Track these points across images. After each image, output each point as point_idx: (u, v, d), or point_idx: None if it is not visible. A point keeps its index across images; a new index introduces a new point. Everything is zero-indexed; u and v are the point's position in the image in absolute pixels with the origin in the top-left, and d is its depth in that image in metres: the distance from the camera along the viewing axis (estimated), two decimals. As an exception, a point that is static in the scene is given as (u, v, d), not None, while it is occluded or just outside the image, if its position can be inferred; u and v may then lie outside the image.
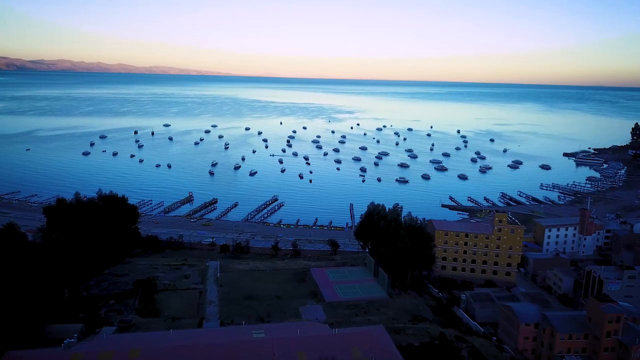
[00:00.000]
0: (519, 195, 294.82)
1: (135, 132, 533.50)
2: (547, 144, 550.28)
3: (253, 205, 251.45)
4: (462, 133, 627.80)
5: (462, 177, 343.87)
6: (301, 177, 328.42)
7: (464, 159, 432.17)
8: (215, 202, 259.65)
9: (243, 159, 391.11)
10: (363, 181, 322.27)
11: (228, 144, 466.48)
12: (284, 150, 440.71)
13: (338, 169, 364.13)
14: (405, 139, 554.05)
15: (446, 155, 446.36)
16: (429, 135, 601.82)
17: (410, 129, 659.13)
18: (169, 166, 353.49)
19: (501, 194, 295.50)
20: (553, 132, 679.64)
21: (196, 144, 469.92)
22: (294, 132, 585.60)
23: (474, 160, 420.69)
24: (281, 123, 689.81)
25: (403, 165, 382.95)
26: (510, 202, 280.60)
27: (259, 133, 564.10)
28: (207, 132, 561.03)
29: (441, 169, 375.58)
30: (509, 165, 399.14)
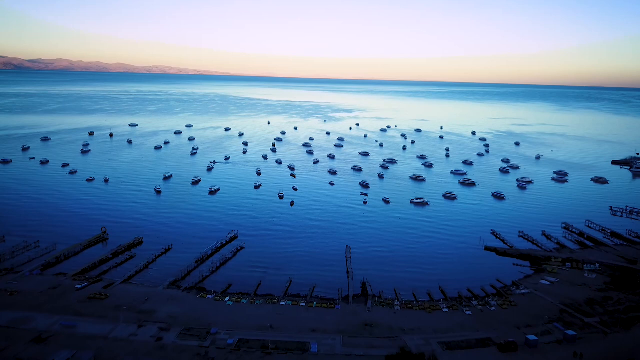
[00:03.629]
0: (589, 227, 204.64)
1: (91, 134, 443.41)
2: (585, 149, 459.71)
3: (195, 251, 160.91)
4: (479, 135, 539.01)
5: (498, 197, 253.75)
6: (281, 196, 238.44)
7: (490, 168, 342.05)
8: (140, 243, 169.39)
9: (209, 169, 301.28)
10: (365, 203, 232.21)
11: (197, 149, 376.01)
12: (265, 157, 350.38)
13: (332, 183, 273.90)
14: (413, 142, 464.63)
15: (468, 163, 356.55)
16: (441, 137, 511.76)
17: (418, 130, 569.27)
18: (106, 180, 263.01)
19: (564, 225, 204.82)
20: (583, 135, 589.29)
21: (157, 148, 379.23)
22: (283, 133, 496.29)
23: (504, 171, 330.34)
24: (269, 123, 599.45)
25: (417, 179, 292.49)
26: (584, 241, 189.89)
27: (240, 135, 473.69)
28: (178, 133, 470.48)
29: (467, 183, 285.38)
30: (553, 179, 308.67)
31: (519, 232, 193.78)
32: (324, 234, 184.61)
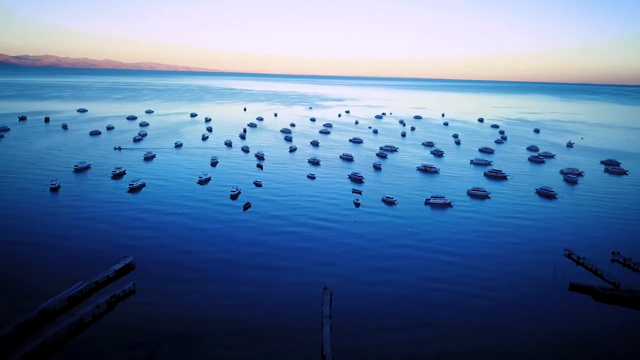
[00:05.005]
0: None
1: (22, 119, 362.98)
2: (619, 137, 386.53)
3: (34, 299, 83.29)
4: (487, 122, 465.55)
5: (547, 195, 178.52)
6: (234, 196, 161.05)
7: (517, 157, 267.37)
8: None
9: (148, 158, 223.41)
10: (357, 205, 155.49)
11: (144, 135, 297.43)
12: (228, 144, 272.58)
13: (312, 176, 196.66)
14: (413, 129, 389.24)
15: (487, 151, 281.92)
16: (446, 124, 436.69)
17: (418, 117, 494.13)
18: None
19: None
20: (604, 122, 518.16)
21: (94, 134, 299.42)
22: (260, 119, 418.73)
23: (538, 161, 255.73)
24: (245, 109, 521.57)
25: (428, 170, 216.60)
26: None
27: (207, 120, 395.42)
28: (131, 118, 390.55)
29: (496, 175, 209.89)
30: (606, 170, 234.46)
31: (613, 253, 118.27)
32: (288, 265, 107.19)
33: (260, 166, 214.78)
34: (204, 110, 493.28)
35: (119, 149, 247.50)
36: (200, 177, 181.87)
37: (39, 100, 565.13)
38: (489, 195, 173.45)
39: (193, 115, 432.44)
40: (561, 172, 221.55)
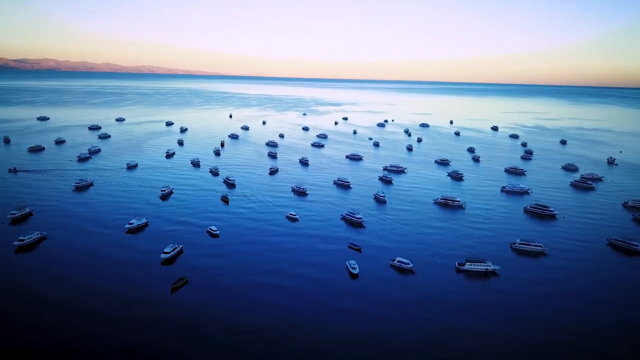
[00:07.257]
0: None
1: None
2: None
3: None
4: (502, 131, 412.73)
5: (627, 250, 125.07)
6: (169, 260, 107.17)
7: (554, 180, 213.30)
8: None
9: (80, 188, 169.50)
10: (354, 277, 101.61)
11: (96, 151, 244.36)
12: (195, 165, 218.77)
13: (293, 218, 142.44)
14: (420, 141, 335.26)
15: (515, 172, 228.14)
16: (457, 134, 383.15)
17: (424, 125, 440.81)
18: None
19: None
20: (631, 130, 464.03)
21: (33, 150, 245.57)
22: (245, 128, 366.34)
23: (582, 187, 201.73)
24: (231, 116, 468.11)
25: (448, 205, 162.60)
26: None
27: (182, 130, 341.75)
28: (94, 128, 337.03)
29: (542, 212, 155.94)
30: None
31: None
32: None
33: (225, 200, 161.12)
34: (184, 117, 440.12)
35: (15, 171, 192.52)
36: (130, 223, 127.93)
37: (1, 106, 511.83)
38: (545, 252, 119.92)
39: (169, 123, 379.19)
40: (624, 205, 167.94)
